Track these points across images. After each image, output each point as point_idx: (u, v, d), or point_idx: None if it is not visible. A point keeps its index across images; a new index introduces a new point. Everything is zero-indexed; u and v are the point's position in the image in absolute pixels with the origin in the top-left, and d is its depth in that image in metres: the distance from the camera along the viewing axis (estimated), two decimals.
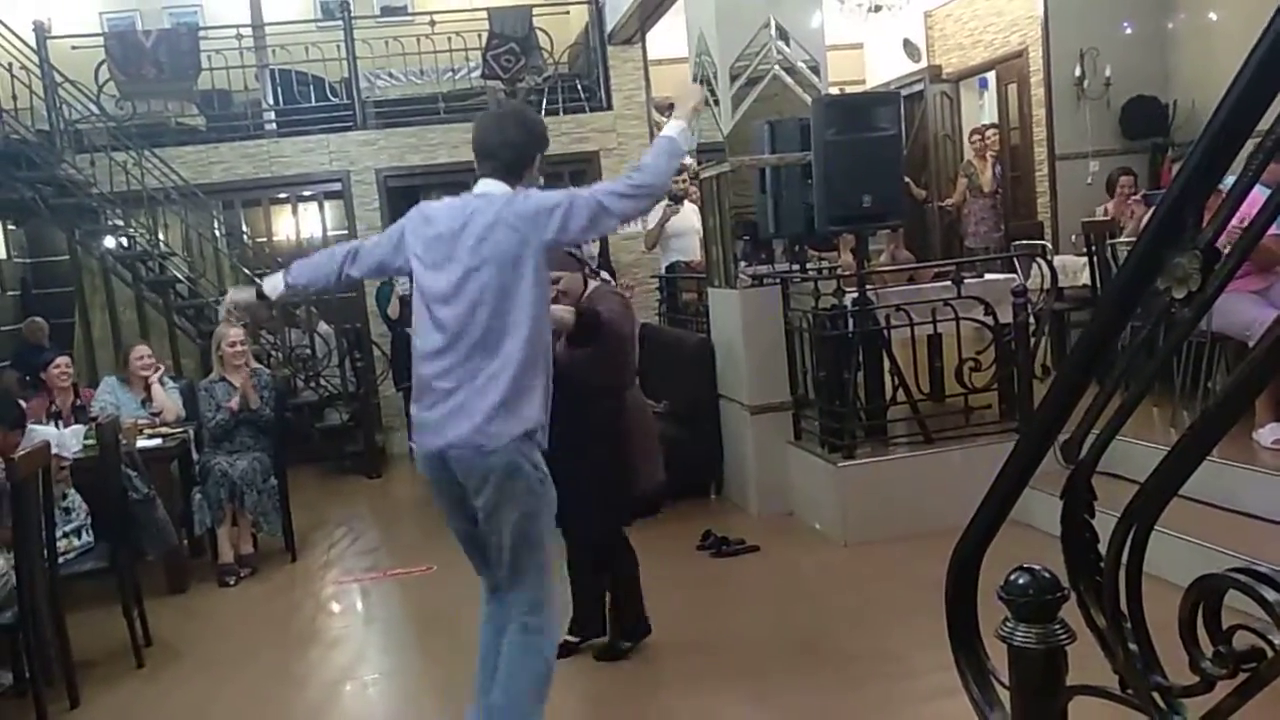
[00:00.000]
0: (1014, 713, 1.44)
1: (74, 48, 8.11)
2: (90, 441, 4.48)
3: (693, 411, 5.53)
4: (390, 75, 9.04)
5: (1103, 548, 1.33)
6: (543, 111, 8.64)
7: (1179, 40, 7.70)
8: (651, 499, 3.66)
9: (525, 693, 2.71)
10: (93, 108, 7.85)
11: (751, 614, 4.09)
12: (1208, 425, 1.15)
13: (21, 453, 3.44)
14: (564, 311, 3.22)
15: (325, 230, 8.73)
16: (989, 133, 8.63)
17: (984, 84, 9.79)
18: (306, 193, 8.59)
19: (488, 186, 2.71)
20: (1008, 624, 1.41)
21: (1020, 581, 1.40)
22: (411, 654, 4.07)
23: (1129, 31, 7.81)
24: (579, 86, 8.82)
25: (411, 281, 2.81)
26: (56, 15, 8.32)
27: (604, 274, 3.88)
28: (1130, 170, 6.94)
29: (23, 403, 4.27)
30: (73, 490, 4.17)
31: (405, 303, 7.55)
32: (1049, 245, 7.20)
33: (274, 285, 2.93)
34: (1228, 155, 1.14)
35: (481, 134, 2.77)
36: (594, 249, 3.88)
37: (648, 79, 8.78)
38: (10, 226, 10.39)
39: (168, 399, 5.52)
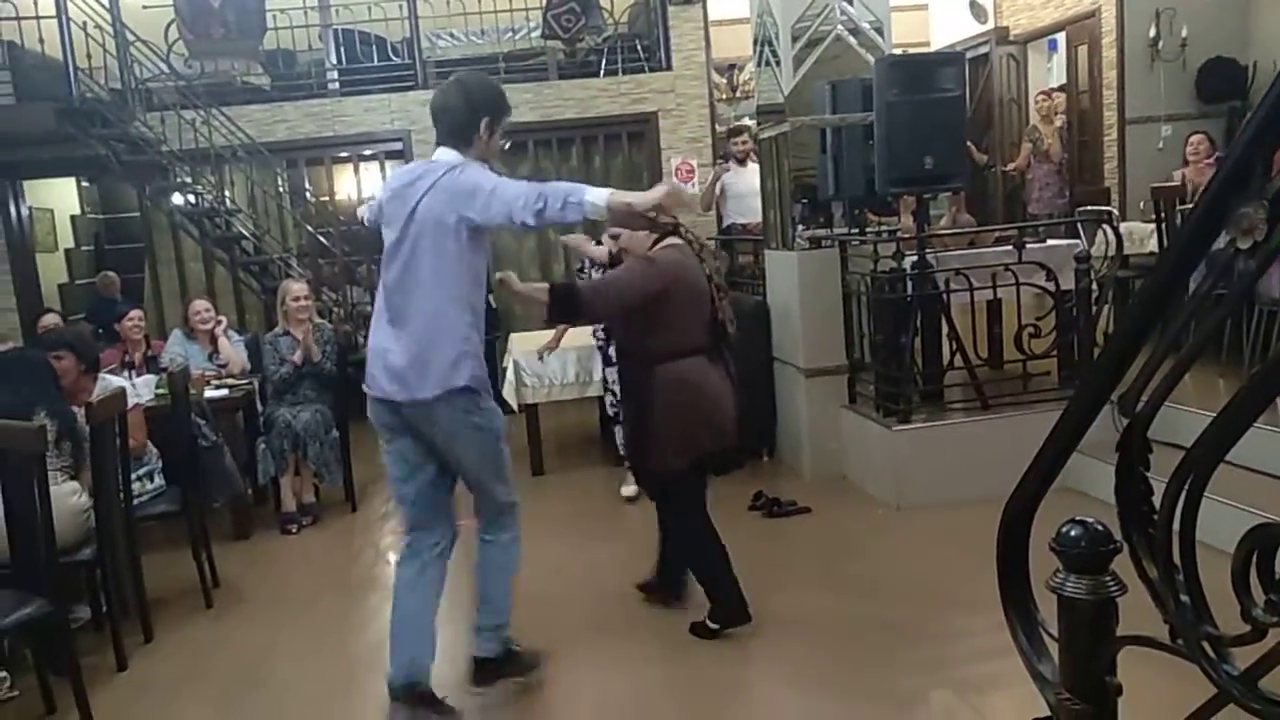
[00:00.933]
0: (1063, 663, 1.45)
1: (145, 8, 8.26)
2: (162, 390, 4.64)
3: (747, 374, 5.51)
4: (451, 35, 9.06)
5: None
6: (602, 72, 8.65)
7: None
8: (662, 479, 3.50)
9: (503, 582, 3.15)
10: (163, 67, 8.01)
11: (801, 574, 4.12)
12: (1270, 375, 1.14)
13: (99, 398, 3.58)
14: (537, 291, 3.25)
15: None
16: (1055, 95, 8.41)
17: (1053, 46, 9.53)
18: (368, 152, 8.69)
19: (439, 154, 2.91)
20: (1059, 575, 1.41)
21: (1073, 533, 1.41)
22: (466, 602, 4.15)
23: None
24: (639, 46, 8.77)
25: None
26: None
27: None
28: (1202, 131, 6.70)
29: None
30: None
31: None
32: (1115, 211, 7.04)
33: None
34: None
35: (431, 101, 2.99)
36: None
37: (708, 39, 8.69)
38: (85, 183, 10.71)
39: (234, 351, 5.67)
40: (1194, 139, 6.49)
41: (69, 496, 3.45)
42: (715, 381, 3.42)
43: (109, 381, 4.19)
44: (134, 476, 4.01)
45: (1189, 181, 6.24)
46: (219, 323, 5.72)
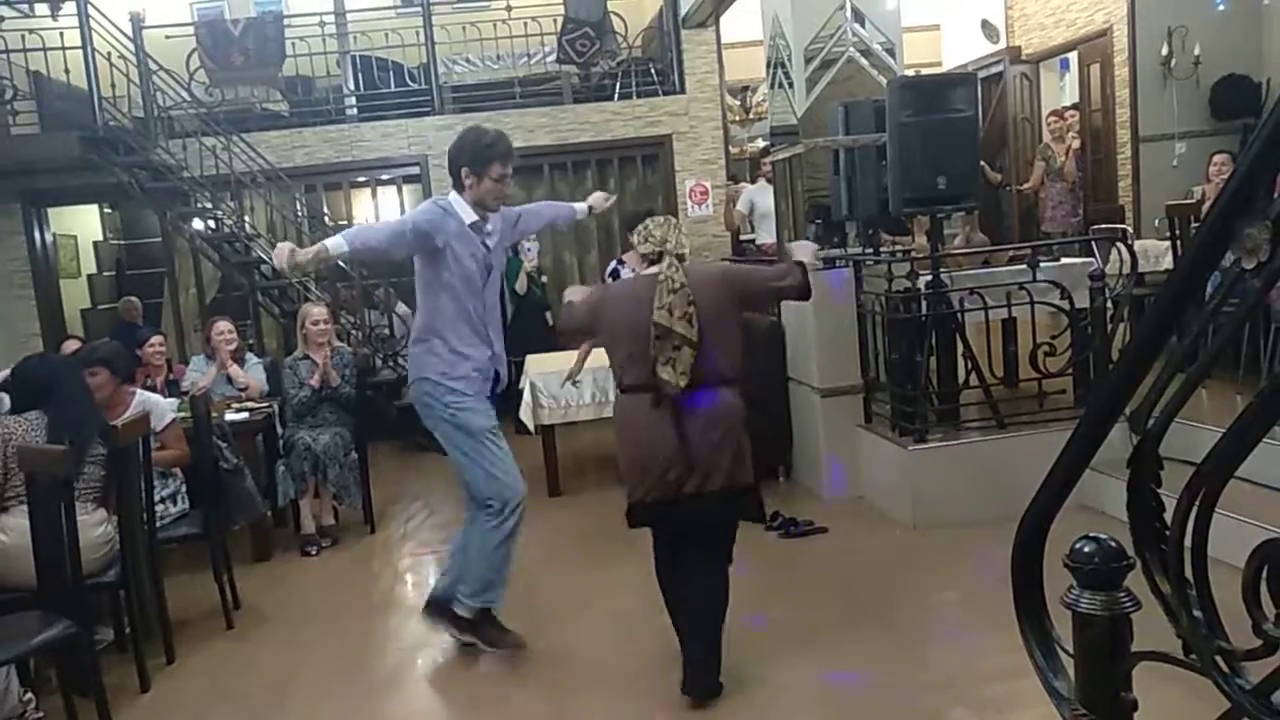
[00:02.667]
0: (1078, 679, 1.46)
1: (167, 37, 8.41)
2: (184, 413, 4.69)
3: (762, 394, 5.54)
4: (467, 61, 9.18)
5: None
6: (616, 96, 8.74)
7: (1274, 16, 7.43)
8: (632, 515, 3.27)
9: (481, 563, 3.54)
10: (184, 95, 8.14)
11: (818, 593, 4.12)
12: (1279, 391, 1.16)
13: (123, 421, 3.64)
14: (575, 294, 3.52)
15: (403, 213, 8.90)
16: (1068, 114, 8.43)
17: (1065, 65, 9.57)
18: (385, 176, 8.79)
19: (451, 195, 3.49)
20: (1073, 591, 1.43)
21: (1086, 549, 1.42)
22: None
23: (1220, 8, 7.56)
24: (652, 70, 8.86)
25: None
26: (151, 6, 8.62)
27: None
28: (1226, 151, 6.70)
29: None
30: None
31: (532, 278, 7.61)
32: (1129, 229, 7.04)
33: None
34: None
35: None
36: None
37: (721, 62, 8.78)
38: (107, 210, 10.86)
39: (250, 375, 5.71)
40: (1218, 158, 6.48)
41: (95, 520, 3.50)
42: (649, 426, 3.09)
43: (148, 399, 4.25)
44: (157, 498, 4.06)
45: (1209, 198, 6.23)
46: (244, 350, 5.77)
